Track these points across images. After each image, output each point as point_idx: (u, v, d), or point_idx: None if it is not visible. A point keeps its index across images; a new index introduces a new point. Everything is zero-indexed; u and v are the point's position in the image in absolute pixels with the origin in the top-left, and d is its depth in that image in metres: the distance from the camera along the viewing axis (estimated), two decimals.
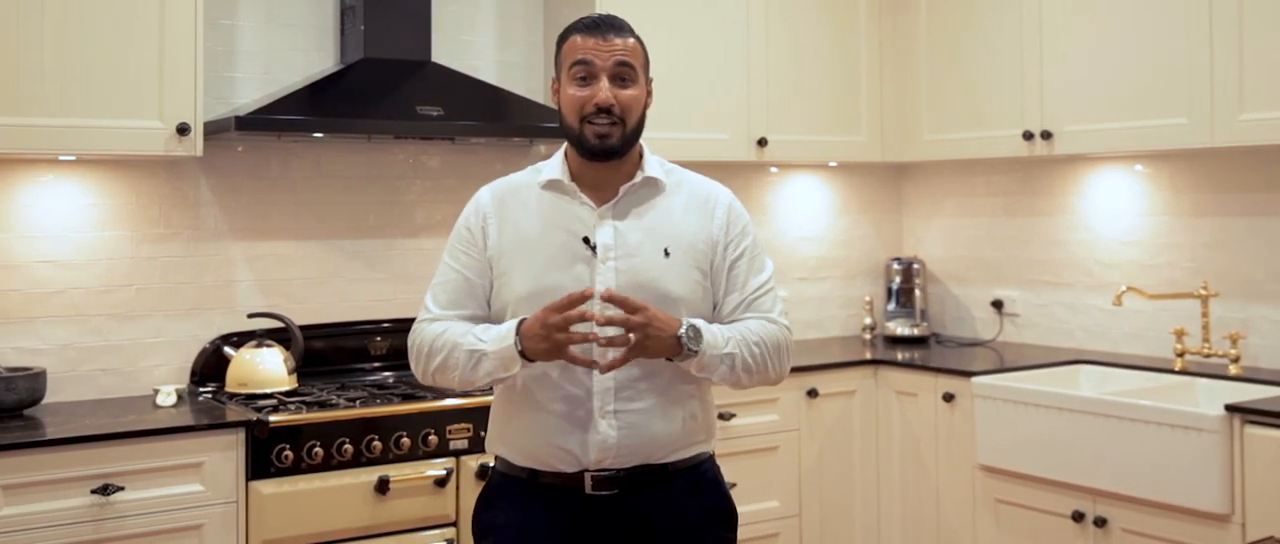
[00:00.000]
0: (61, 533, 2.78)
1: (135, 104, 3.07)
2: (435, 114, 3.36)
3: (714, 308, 2.21)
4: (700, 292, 2.18)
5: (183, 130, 3.10)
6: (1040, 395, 3.41)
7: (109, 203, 3.37)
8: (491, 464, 2.29)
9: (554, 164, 2.21)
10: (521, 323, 2.06)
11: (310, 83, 3.37)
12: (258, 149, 3.57)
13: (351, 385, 3.47)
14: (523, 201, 2.20)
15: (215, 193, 3.51)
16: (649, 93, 2.21)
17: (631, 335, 2.01)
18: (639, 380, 2.12)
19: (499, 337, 2.07)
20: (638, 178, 2.19)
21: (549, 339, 2.00)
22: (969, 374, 3.65)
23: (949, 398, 3.72)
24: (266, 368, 3.32)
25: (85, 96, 3.02)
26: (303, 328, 3.53)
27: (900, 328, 4.44)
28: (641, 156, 2.22)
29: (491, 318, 2.20)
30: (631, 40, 2.17)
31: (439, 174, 3.82)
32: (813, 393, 3.86)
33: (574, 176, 2.19)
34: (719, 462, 3.60)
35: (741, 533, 3.66)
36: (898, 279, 4.50)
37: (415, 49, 3.54)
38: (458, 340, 2.12)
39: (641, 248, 2.15)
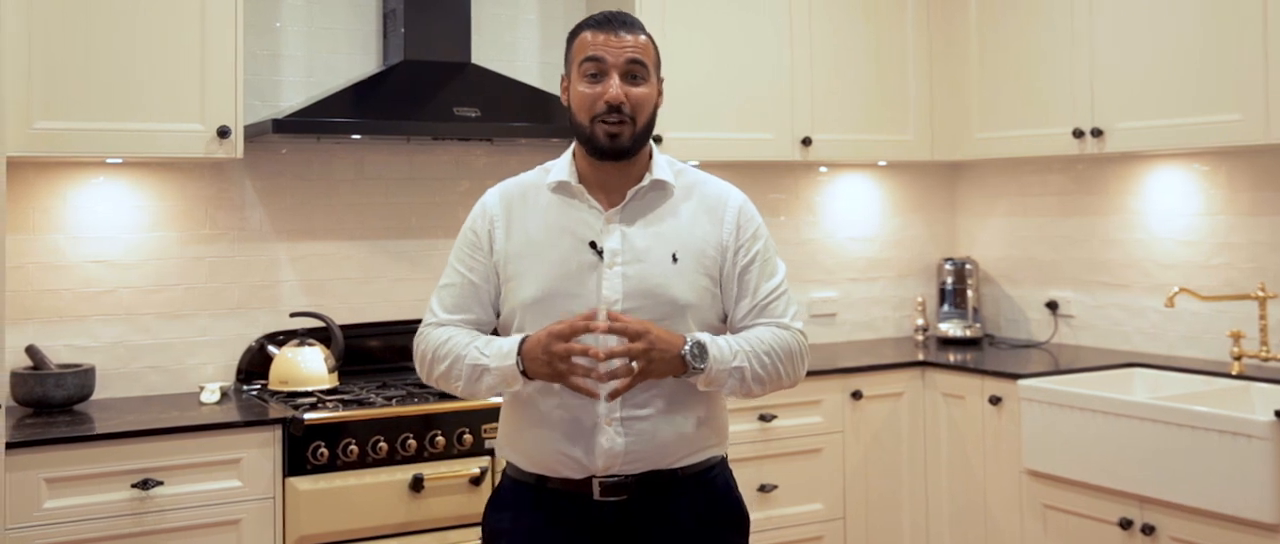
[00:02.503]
0: (103, 526, 2.86)
1: (178, 108, 3.15)
2: (473, 115, 3.39)
3: (724, 313, 2.19)
4: (708, 297, 2.15)
5: (223, 133, 3.17)
6: (1086, 399, 3.33)
7: (157, 204, 3.45)
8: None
9: (562, 164, 2.19)
10: (524, 342, 2.05)
11: (349, 85, 3.42)
12: (301, 151, 3.63)
13: (392, 384, 3.50)
14: (531, 204, 2.18)
15: (260, 195, 3.58)
16: (660, 92, 2.19)
17: (634, 364, 1.99)
18: (646, 387, 2.09)
19: (501, 354, 2.06)
20: (645, 181, 2.16)
21: (551, 366, 2.00)
22: (1015, 377, 3.58)
23: (995, 401, 3.65)
24: (308, 366, 3.38)
25: (130, 101, 3.10)
26: (347, 327, 3.58)
27: (952, 329, 4.37)
28: (651, 158, 2.19)
29: (499, 322, 2.20)
30: (643, 37, 2.15)
31: (481, 175, 3.85)
32: (857, 395, 3.81)
33: (582, 177, 2.17)
34: (761, 464, 3.66)
35: (784, 535, 3.71)
36: (950, 279, 4.43)
37: (455, 51, 3.57)
38: (461, 352, 2.11)
39: (649, 253, 2.12)
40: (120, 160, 3.30)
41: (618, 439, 2.09)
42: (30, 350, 3.22)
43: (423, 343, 2.19)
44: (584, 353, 1.98)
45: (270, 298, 3.60)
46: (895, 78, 4.21)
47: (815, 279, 4.45)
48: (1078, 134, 3.72)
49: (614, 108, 2.09)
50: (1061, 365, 3.79)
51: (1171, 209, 3.90)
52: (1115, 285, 4.09)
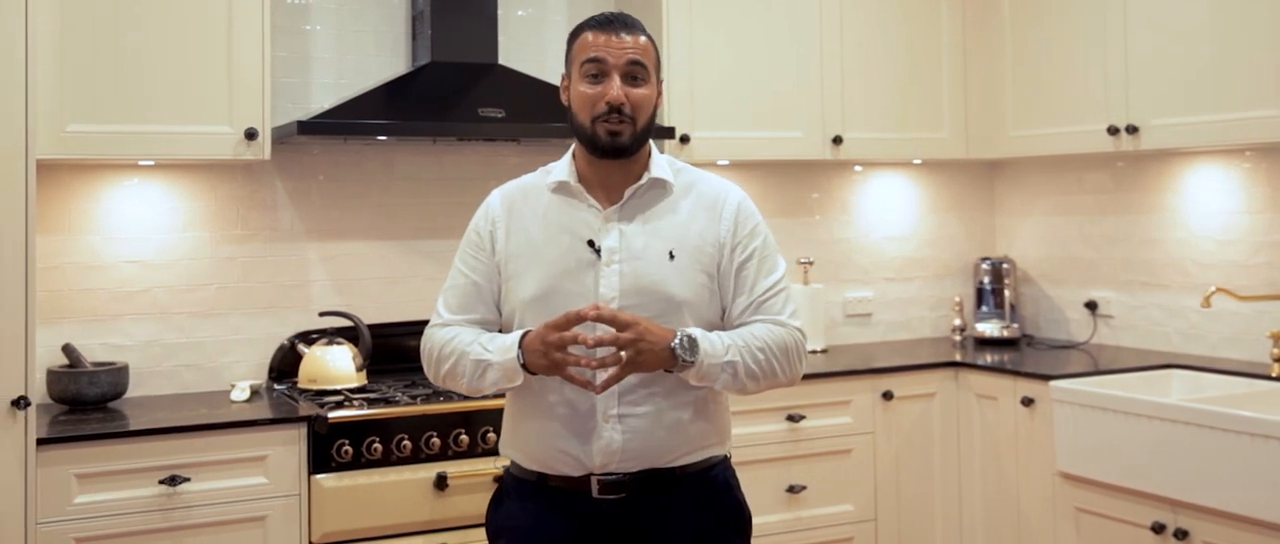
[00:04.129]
0: (133, 521, 2.91)
1: (207, 110, 3.20)
2: (498, 116, 3.41)
3: (723, 310, 2.18)
4: (706, 294, 2.15)
5: (250, 135, 3.21)
6: (1118, 401, 3.27)
7: (190, 205, 3.51)
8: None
9: (562, 165, 2.21)
10: (525, 336, 2.07)
11: (376, 87, 3.45)
12: (330, 152, 3.68)
13: (420, 383, 3.52)
14: (531, 205, 2.21)
15: (290, 195, 3.63)
16: (660, 92, 2.19)
17: (623, 353, 1.99)
18: (644, 385, 2.10)
19: (503, 348, 2.09)
20: (644, 179, 2.17)
21: (548, 357, 2.01)
22: (1047, 378, 3.52)
23: (1028, 402, 3.59)
24: (336, 365, 3.41)
25: (161, 104, 3.16)
26: (376, 326, 3.62)
27: (990, 329, 4.31)
28: (650, 157, 2.20)
29: (502, 321, 2.22)
30: (644, 38, 2.15)
31: (509, 175, 3.76)
32: (888, 395, 3.78)
33: (582, 177, 2.18)
34: (789, 464, 3.64)
35: (814, 537, 3.69)
36: (986, 279, 4.37)
37: (482, 52, 3.58)
38: (465, 349, 2.14)
39: (646, 251, 2.13)
40: (152, 162, 3.37)
41: (615, 437, 2.09)
42: (66, 349, 3.29)
43: (428, 343, 2.22)
44: (577, 341, 1.99)
45: (302, 297, 3.64)
46: (928, 75, 4.16)
47: (850, 279, 4.42)
48: (1112, 131, 3.66)
49: (614, 108, 2.09)
50: (1100, 366, 3.73)
51: (1211, 207, 3.82)
52: (1155, 285, 4.01)
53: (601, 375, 2.03)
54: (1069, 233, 4.31)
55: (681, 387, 2.12)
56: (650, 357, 2.01)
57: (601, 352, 2.01)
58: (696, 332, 2.06)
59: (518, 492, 2.20)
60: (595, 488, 2.11)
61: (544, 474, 2.15)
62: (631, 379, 2.08)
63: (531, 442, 2.16)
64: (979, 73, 4.19)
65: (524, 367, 2.06)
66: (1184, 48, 3.48)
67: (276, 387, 3.53)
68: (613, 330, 2.00)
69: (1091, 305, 4.22)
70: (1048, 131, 3.96)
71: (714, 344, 2.06)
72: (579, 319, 1.99)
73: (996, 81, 4.13)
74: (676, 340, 2.02)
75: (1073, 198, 4.29)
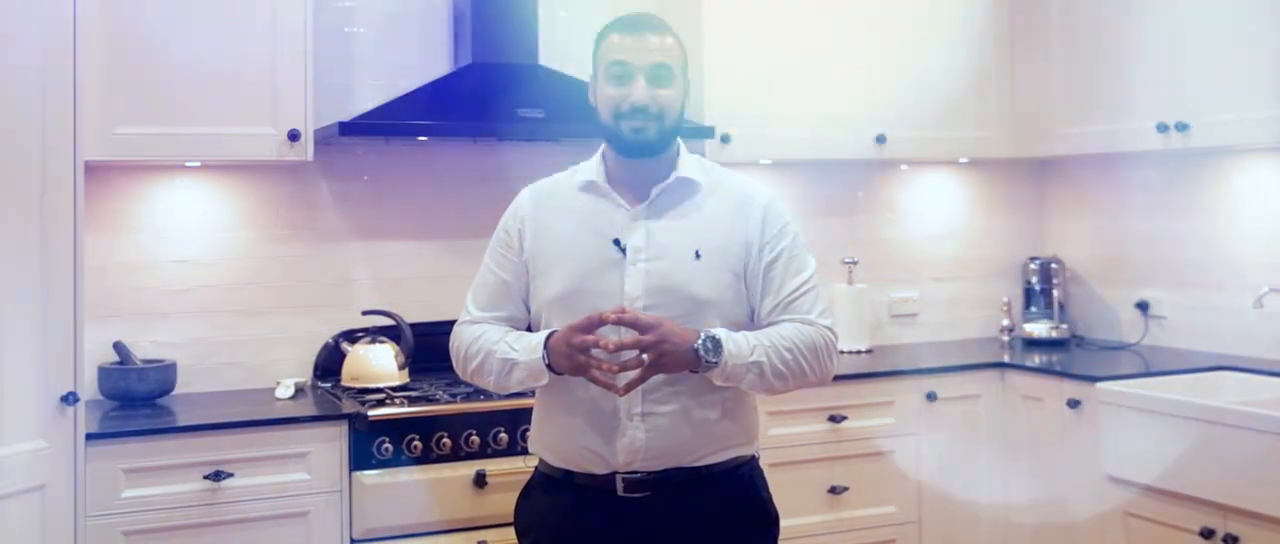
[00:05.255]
0: (178, 515, 2.97)
1: (250, 112, 3.24)
2: (537, 116, 3.42)
3: (752, 310, 2.18)
4: (732, 294, 2.14)
5: (293, 136, 3.26)
6: (1166, 403, 3.21)
7: (235, 205, 3.57)
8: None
9: (592, 164, 2.22)
10: (550, 336, 2.08)
11: (417, 88, 3.48)
12: (373, 152, 3.71)
13: (461, 381, 3.54)
14: (559, 203, 2.22)
15: (333, 195, 3.68)
16: (687, 92, 2.19)
17: (645, 356, 1.99)
18: (669, 383, 2.10)
19: (529, 348, 2.10)
20: (671, 178, 2.17)
21: (572, 359, 2.02)
22: (1094, 380, 3.47)
23: (1074, 404, 3.54)
24: (378, 363, 3.45)
25: (206, 106, 3.21)
26: (419, 325, 3.65)
27: (1038, 330, 4.25)
28: (678, 156, 2.20)
29: (531, 318, 2.23)
30: (670, 39, 2.16)
31: (547, 175, 3.86)
32: (932, 396, 3.74)
33: (610, 176, 2.19)
34: (831, 465, 3.61)
35: (857, 538, 3.67)
36: (1035, 279, 4.31)
37: (522, 53, 3.60)
38: (491, 348, 2.15)
39: (672, 250, 2.13)
40: (198, 163, 3.42)
41: (639, 435, 2.10)
42: (117, 346, 3.36)
43: (457, 340, 2.24)
44: (599, 344, 1.99)
45: (345, 296, 3.68)
46: (975, 73, 4.11)
47: (896, 278, 4.38)
48: (1162, 129, 3.59)
49: (639, 109, 2.09)
50: (1150, 368, 3.67)
51: (1265, 205, 3.74)
52: (1208, 285, 3.93)
53: (624, 377, 2.03)
54: (1119, 232, 4.24)
55: (707, 386, 2.11)
56: (673, 358, 2.01)
57: (624, 355, 2.01)
58: (721, 332, 2.06)
59: (545, 487, 2.22)
60: (620, 486, 2.12)
61: (570, 471, 2.17)
62: (657, 378, 2.08)
63: (558, 439, 2.18)
64: (1025, 69, 4.14)
65: (549, 367, 2.07)
66: (1235, 42, 3.41)
67: (320, 385, 3.57)
68: (635, 333, 2.00)
69: (1143, 306, 4.14)
70: (1096, 129, 3.90)
71: (739, 344, 2.05)
72: (602, 321, 2.00)
73: (1043, 78, 4.07)
74: (700, 341, 2.02)
75: (1123, 196, 4.22)
